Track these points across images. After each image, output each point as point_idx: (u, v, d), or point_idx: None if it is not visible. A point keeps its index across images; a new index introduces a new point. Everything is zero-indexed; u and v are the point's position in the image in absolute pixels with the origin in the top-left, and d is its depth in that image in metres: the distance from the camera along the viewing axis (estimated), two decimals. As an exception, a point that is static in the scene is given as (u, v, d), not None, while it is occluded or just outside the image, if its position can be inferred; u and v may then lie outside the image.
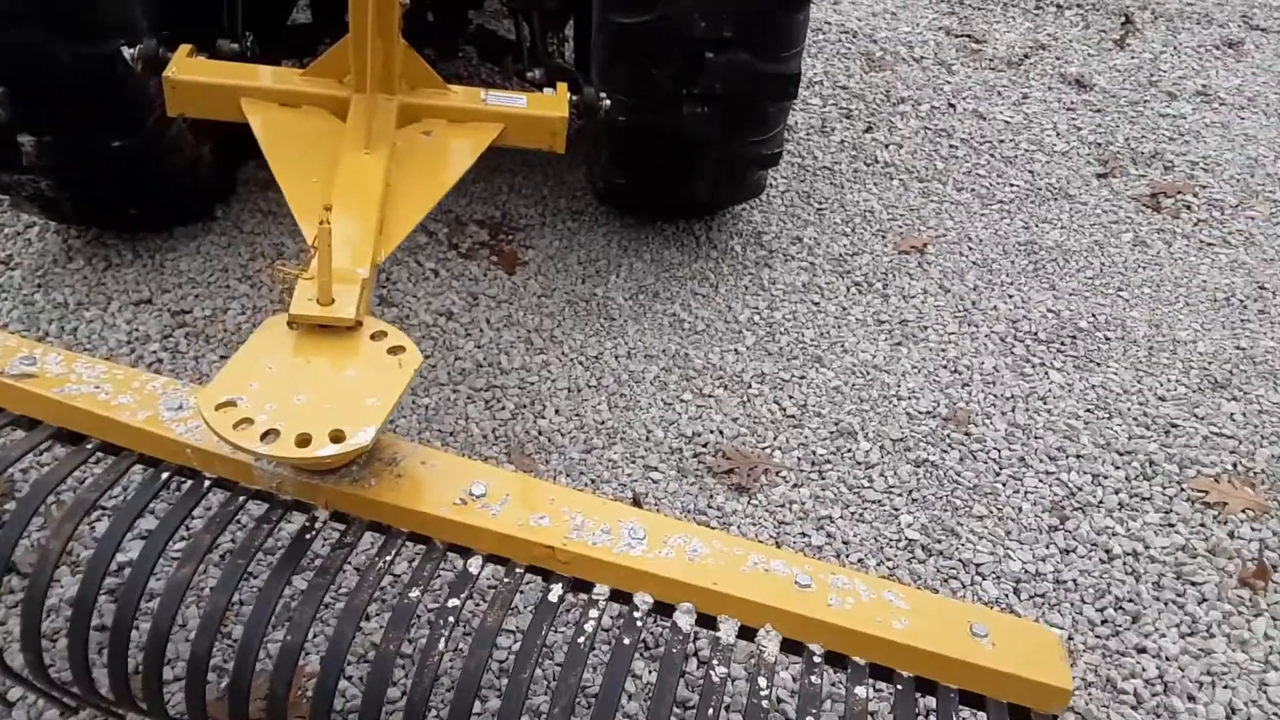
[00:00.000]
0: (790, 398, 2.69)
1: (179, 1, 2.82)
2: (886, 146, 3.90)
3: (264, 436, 1.43)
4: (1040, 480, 2.47)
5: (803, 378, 2.76)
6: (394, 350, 1.62)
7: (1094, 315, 3.06)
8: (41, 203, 2.81)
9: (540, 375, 2.72)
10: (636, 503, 2.31)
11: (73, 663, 1.50)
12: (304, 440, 1.43)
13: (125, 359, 2.67)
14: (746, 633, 1.48)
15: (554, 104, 2.29)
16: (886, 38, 4.81)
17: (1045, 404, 2.69)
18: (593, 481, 2.39)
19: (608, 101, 2.41)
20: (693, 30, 2.50)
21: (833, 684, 1.80)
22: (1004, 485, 2.45)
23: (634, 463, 2.46)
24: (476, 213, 3.31)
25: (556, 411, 2.60)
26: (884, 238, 3.38)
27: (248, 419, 1.45)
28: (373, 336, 1.65)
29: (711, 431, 2.56)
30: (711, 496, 2.37)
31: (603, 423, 2.58)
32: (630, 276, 3.13)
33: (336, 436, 1.44)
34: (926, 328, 2.97)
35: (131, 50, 2.27)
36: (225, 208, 3.26)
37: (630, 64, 2.63)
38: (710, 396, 2.69)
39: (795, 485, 2.42)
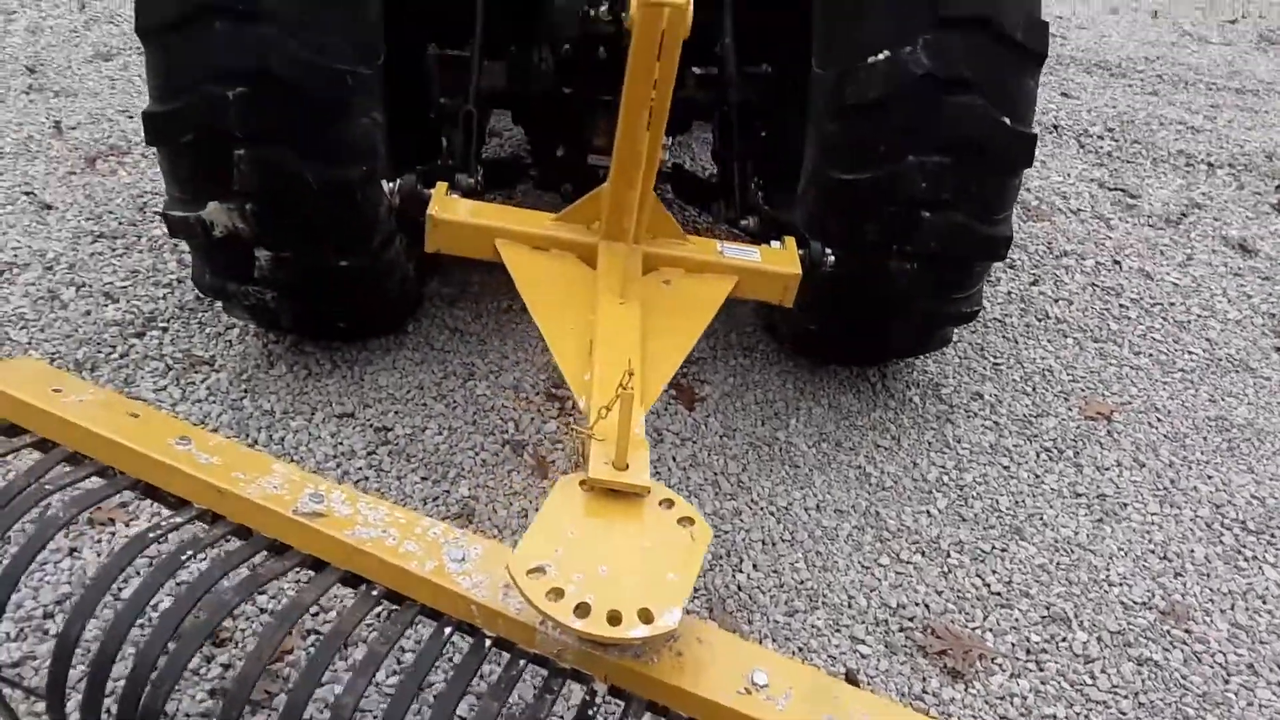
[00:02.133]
0: (994, 572, 2.62)
1: (415, 135, 2.97)
2: (1055, 301, 3.87)
3: (576, 610, 1.42)
4: (1274, 693, 2.34)
5: (1004, 550, 2.69)
6: (683, 521, 1.62)
7: (1297, 502, 2.95)
8: (260, 312, 2.91)
9: (733, 524, 2.69)
10: (852, 680, 2.24)
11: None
12: (615, 618, 1.42)
13: (332, 473, 2.72)
14: None
15: (787, 259, 2.33)
16: (1040, 187, 4.83)
17: (1265, 604, 2.58)
18: (800, 650, 2.33)
19: (833, 258, 2.44)
20: (912, 190, 2.53)
21: None
22: (1236, 695, 2.33)
23: (839, 632, 2.40)
24: (657, 345, 3.35)
25: (755, 566, 2.56)
26: (1067, 400, 3.32)
27: (558, 589, 1.45)
28: (661, 503, 1.64)
29: (916, 604, 2.49)
30: (926, 680, 2.29)
31: (802, 583, 2.53)
32: (810, 422, 3.12)
33: (645, 616, 1.43)
34: (1126, 505, 2.89)
35: (391, 184, 2.37)
36: (415, 322, 3.35)
37: (842, 217, 2.66)
38: (909, 563, 2.63)
39: (1013, 675, 2.33)
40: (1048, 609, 2.51)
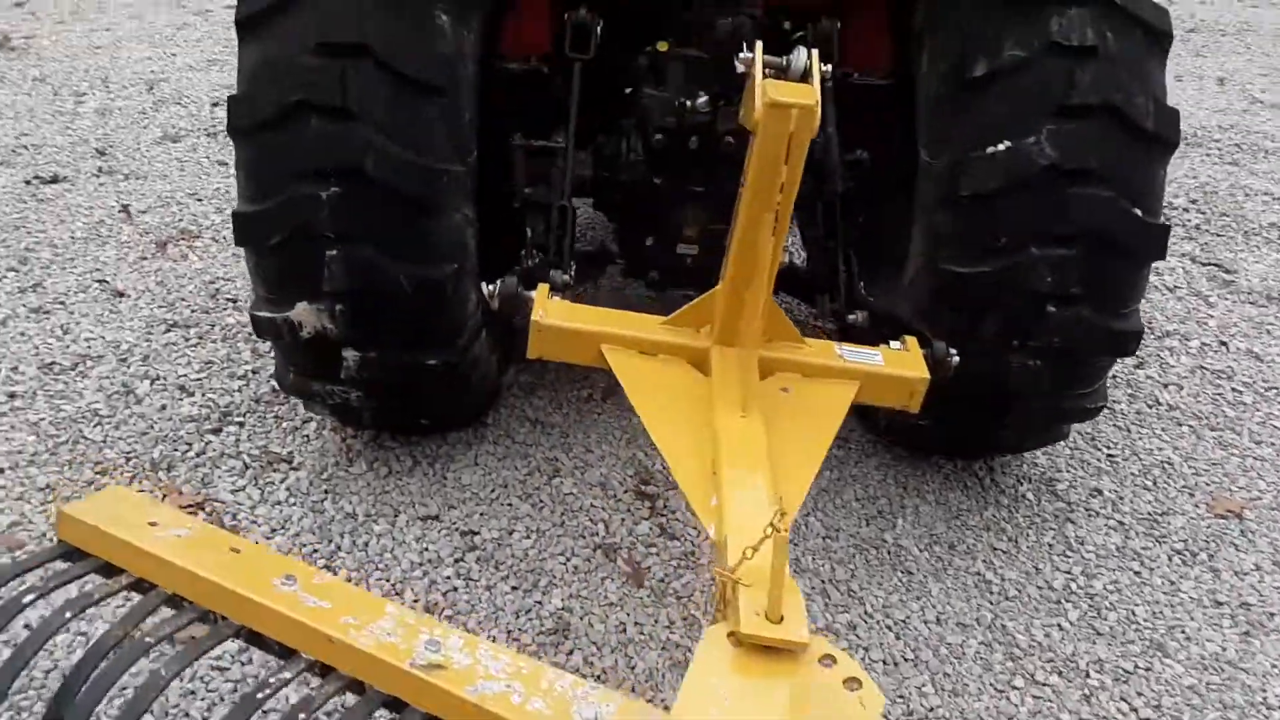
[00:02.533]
0: (1140, 695, 2.39)
1: (497, 227, 2.87)
2: (1165, 387, 3.66)
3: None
4: None
5: (1148, 669, 2.46)
6: (850, 683, 1.44)
7: None
8: (343, 411, 2.80)
9: (849, 640, 2.49)
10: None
11: None
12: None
13: (419, 582, 2.57)
14: None
15: (912, 363, 2.17)
16: (1129, 260, 4.62)
17: None
18: (941, 788, 2.12)
19: (957, 358, 2.27)
20: (1036, 283, 2.38)
21: None
22: None
23: (980, 766, 2.19)
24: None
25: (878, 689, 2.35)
26: (1192, 496, 3.09)
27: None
28: (822, 660, 1.47)
29: (1061, 733, 2.27)
30: (1084, 823, 2.07)
31: (931, 710, 2.32)
32: (918, 522, 2.92)
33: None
34: (1274, 615, 2.65)
35: (491, 287, 2.26)
36: (494, 413, 3.23)
37: (958, 311, 2.51)
38: (1045, 685, 2.41)
39: (1181, 818, 2.10)
40: (1207, 741, 2.28)
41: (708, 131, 2.67)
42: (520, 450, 3.10)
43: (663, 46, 2.62)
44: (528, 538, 2.75)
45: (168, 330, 3.59)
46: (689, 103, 2.58)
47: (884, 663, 2.44)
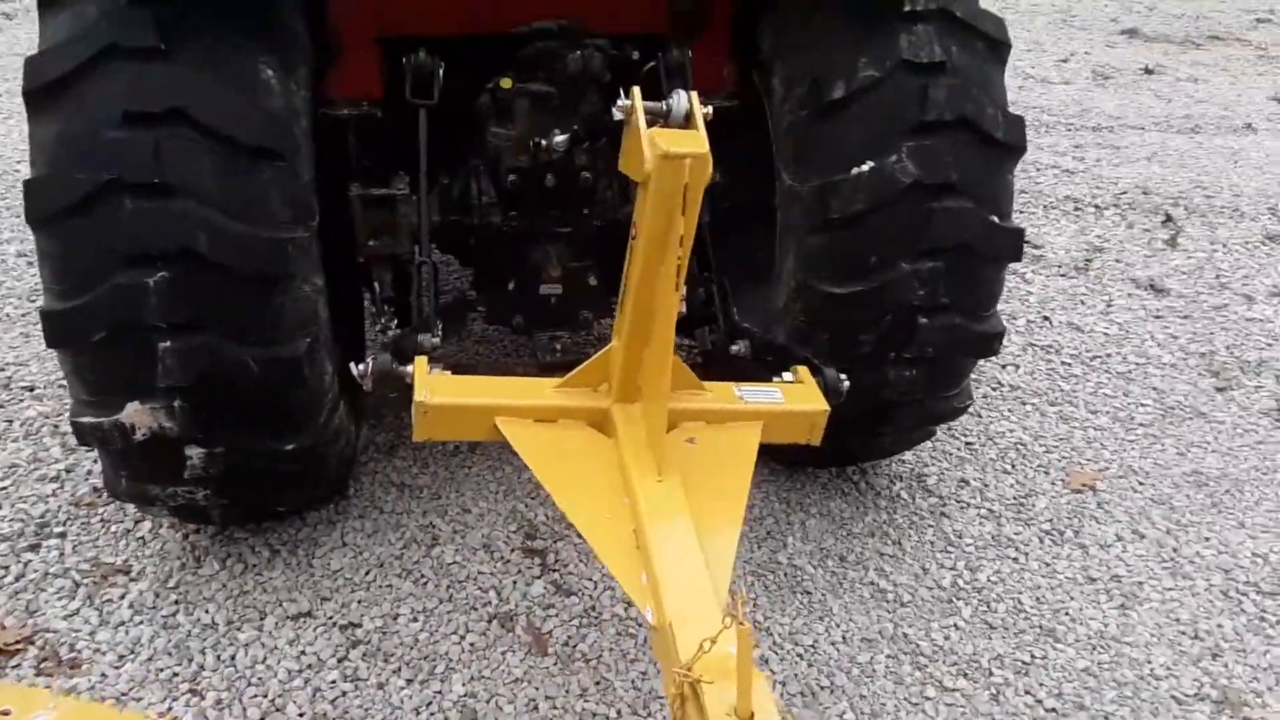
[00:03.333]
0: (1041, 685, 2.47)
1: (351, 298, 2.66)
2: (1004, 368, 3.84)
3: None
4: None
5: (1044, 657, 2.55)
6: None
7: (1293, 553, 2.95)
8: (189, 512, 2.52)
9: (766, 672, 2.45)
10: None
11: None
12: None
13: (301, 693, 2.33)
14: None
15: (809, 396, 2.15)
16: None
17: (1310, 673, 2.53)
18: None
19: (848, 384, 2.27)
20: (908, 297, 2.42)
21: None
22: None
23: (915, 787, 2.20)
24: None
25: (803, 723, 2.33)
26: (1048, 474, 3.26)
27: None
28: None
29: (981, 737, 2.32)
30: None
31: (858, 735, 2.32)
32: (808, 537, 2.93)
33: None
34: (1142, 585, 2.81)
35: (361, 366, 2.06)
36: (355, 482, 2.99)
37: (833, 330, 2.52)
38: (955, 690, 2.45)
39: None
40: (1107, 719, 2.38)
41: (563, 168, 2.56)
42: (391, 521, 2.89)
43: (506, 84, 2.48)
44: (415, 620, 2.56)
45: (-44, 434, 3.14)
46: (544, 141, 2.45)
47: (802, 695, 2.42)
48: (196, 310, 2.07)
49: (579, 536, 2.85)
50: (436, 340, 2.35)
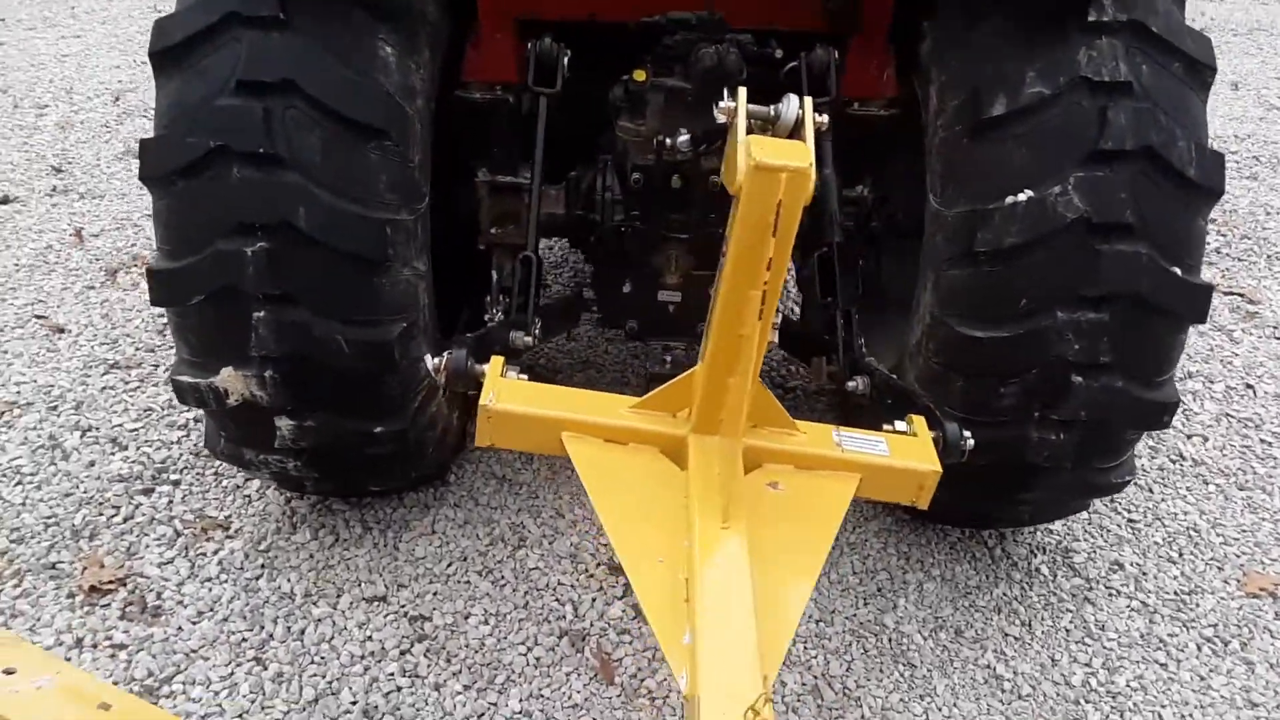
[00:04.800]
0: (1172, 823, 2.11)
1: (459, 281, 2.59)
2: (1189, 438, 3.37)
3: None
4: None
5: (1180, 790, 2.18)
6: None
7: None
8: (284, 479, 2.53)
9: (843, 751, 2.21)
10: None
11: None
12: None
13: (358, 680, 2.28)
14: None
15: (921, 452, 1.88)
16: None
17: None
18: None
19: (972, 442, 1.98)
20: (1061, 350, 2.10)
21: None
22: None
23: None
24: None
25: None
26: (1221, 570, 2.81)
27: None
28: None
29: None
30: None
31: (937, 839, 2.04)
32: (922, 602, 2.63)
33: None
34: (1320, 721, 2.37)
35: (436, 360, 1.98)
36: (457, 469, 2.94)
37: (971, 378, 2.22)
38: (1065, 808, 2.13)
39: None
40: None
41: (692, 170, 2.39)
42: (483, 515, 2.81)
43: (640, 76, 2.33)
44: (485, 623, 2.47)
45: (106, 372, 3.31)
46: (669, 140, 2.29)
47: (882, 781, 2.17)
48: (291, 283, 2.04)
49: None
50: (530, 340, 2.24)
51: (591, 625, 2.49)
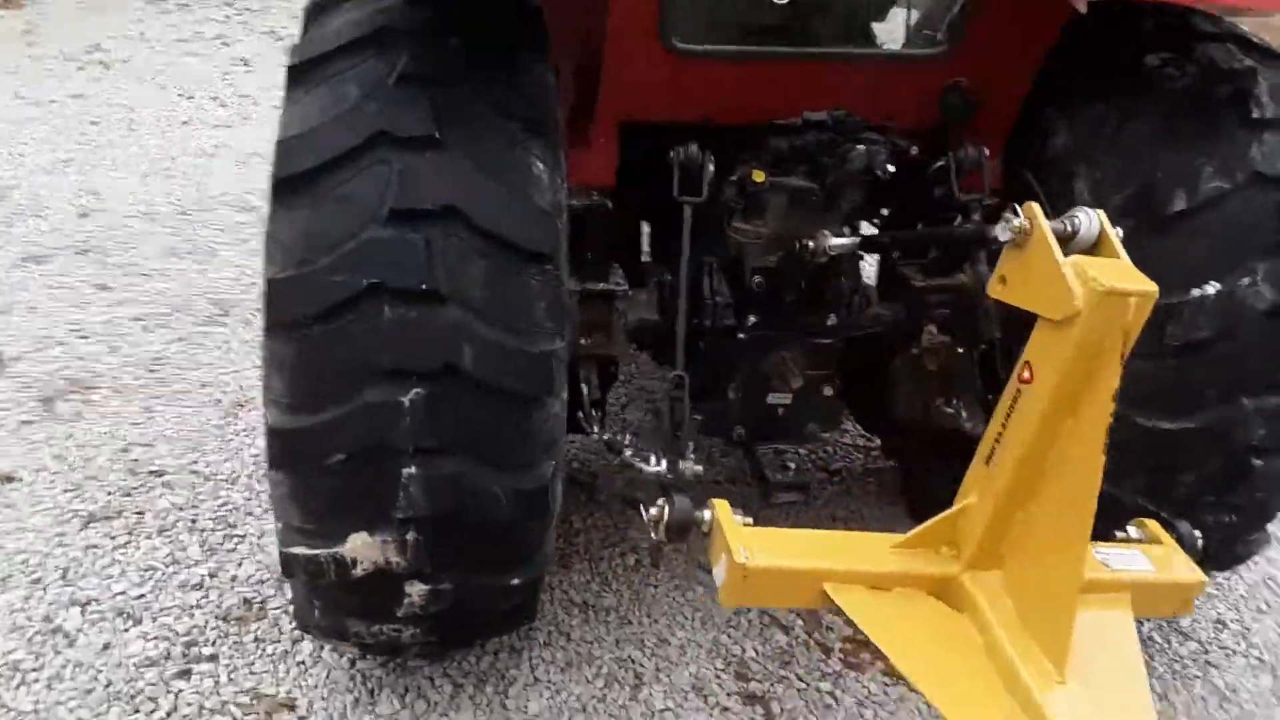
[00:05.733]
0: None
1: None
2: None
3: None
4: None
5: None
6: None
7: None
8: (382, 647, 2.18)
9: None
10: None
11: None
12: None
13: None
14: None
15: (1180, 562, 1.79)
16: None
17: None
18: None
19: (1203, 542, 1.91)
20: (1247, 436, 2.08)
21: None
22: None
23: None
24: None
25: None
26: (1310, 616, 2.87)
27: None
28: None
29: None
30: None
31: None
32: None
33: None
34: None
35: (654, 510, 1.73)
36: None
37: (1152, 469, 2.17)
38: None
39: None
40: None
41: (819, 272, 2.26)
42: (582, 652, 2.52)
43: (759, 176, 2.19)
44: (635, 787, 2.19)
45: (84, 527, 2.80)
46: (811, 243, 2.15)
47: None
48: (451, 433, 1.75)
49: (799, 677, 2.50)
50: (700, 469, 2.01)
51: (747, 767, 2.26)
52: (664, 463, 1.98)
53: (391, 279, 1.66)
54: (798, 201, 2.21)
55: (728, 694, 2.44)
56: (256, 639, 2.49)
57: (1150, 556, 1.76)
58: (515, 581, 2.02)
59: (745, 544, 1.61)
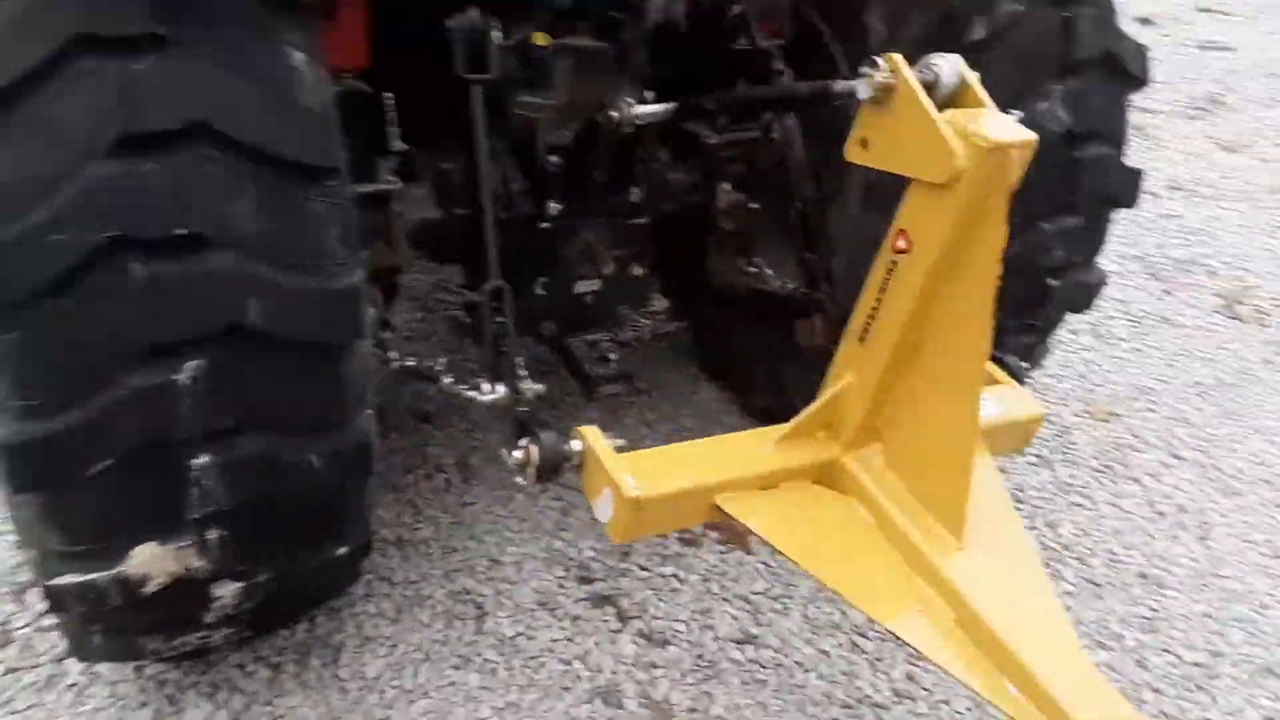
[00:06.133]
0: (1173, 639, 2.37)
1: None
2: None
3: None
4: None
5: (1162, 610, 2.46)
6: None
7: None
8: (196, 654, 1.86)
9: None
10: None
11: None
12: None
13: None
14: None
15: (1021, 399, 1.83)
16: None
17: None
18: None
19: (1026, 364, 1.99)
20: (1048, 260, 2.17)
21: None
22: None
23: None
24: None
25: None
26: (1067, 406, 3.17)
27: None
28: None
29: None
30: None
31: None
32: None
33: None
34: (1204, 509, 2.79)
35: (519, 453, 1.50)
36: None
37: None
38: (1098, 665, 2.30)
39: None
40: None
41: (625, 144, 2.05)
42: (411, 594, 2.30)
43: (540, 40, 1.91)
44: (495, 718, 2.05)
45: None
46: (613, 114, 1.93)
47: None
48: (246, 406, 1.41)
49: (640, 567, 2.43)
50: (542, 387, 1.79)
51: (614, 674, 2.16)
52: (499, 387, 1.73)
53: (134, 227, 1.26)
54: (587, 65, 1.96)
55: (575, 601, 2.32)
56: (9, 670, 2.05)
57: (995, 397, 1.78)
58: (342, 551, 1.74)
59: (630, 472, 1.45)
